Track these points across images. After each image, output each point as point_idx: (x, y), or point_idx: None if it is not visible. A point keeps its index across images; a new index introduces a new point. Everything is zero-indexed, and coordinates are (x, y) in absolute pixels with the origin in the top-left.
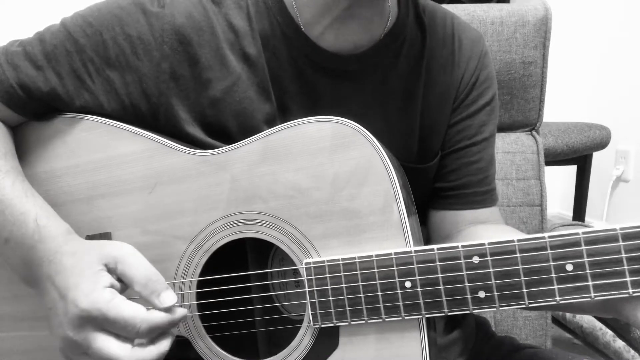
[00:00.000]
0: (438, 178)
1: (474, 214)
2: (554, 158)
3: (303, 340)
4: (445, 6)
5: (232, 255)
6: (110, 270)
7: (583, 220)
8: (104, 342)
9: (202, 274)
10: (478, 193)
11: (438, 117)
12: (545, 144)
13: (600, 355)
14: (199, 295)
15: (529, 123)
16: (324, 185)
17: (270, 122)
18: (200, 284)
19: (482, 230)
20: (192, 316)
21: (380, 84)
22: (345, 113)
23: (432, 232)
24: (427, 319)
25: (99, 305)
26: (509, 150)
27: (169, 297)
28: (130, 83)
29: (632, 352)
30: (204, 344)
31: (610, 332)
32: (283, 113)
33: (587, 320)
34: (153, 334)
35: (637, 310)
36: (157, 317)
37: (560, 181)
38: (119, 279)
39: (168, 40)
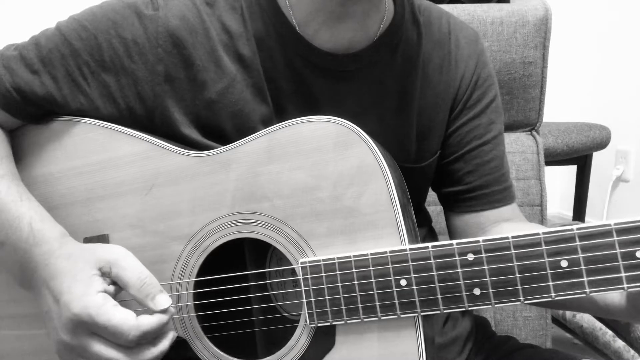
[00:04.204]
0: (455, 182)
1: (496, 213)
2: (554, 158)
3: (300, 339)
4: (445, 6)
5: (230, 256)
6: (105, 274)
7: (583, 220)
8: (100, 346)
9: (199, 275)
10: (497, 191)
11: (435, 117)
12: (545, 144)
13: (600, 355)
14: (197, 296)
15: (529, 123)
16: (319, 184)
17: (267, 123)
18: (197, 285)
19: (508, 227)
20: (189, 317)
21: (376, 83)
22: (341, 113)
23: (457, 237)
24: (424, 316)
25: (90, 311)
26: (509, 150)
27: (163, 300)
28: (126, 86)
29: (632, 352)
30: (202, 345)
31: (610, 332)
32: (279, 113)
33: (587, 320)
34: (143, 341)
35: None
36: (146, 323)
37: (560, 181)
38: (114, 282)
39: (162, 42)
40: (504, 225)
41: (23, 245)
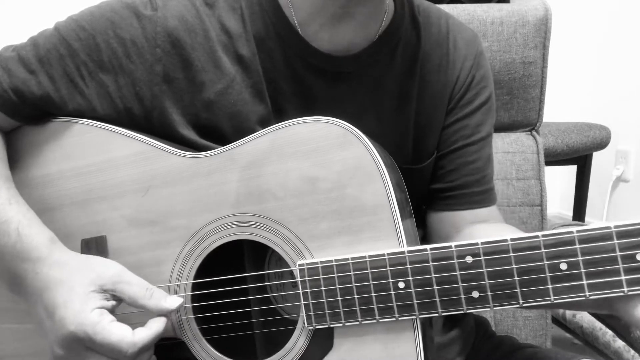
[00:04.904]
0: (436, 179)
1: (473, 214)
2: (554, 158)
3: (298, 341)
4: (445, 6)
5: (229, 257)
6: (106, 291)
7: (583, 220)
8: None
9: (197, 276)
10: (476, 193)
11: (433, 118)
12: (545, 144)
13: (600, 355)
14: (195, 298)
15: (529, 123)
16: (316, 186)
17: (265, 124)
18: (196, 286)
19: (480, 229)
20: (187, 319)
21: (376, 84)
22: (340, 114)
23: (432, 234)
24: (423, 318)
25: (85, 328)
26: (509, 150)
27: (174, 299)
28: (124, 86)
29: (632, 352)
30: (200, 347)
31: (610, 332)
32: (278, 114)
33: (587, 320)
34: (140, 354)
35: (630, 307)
36: (143, 337)
37: (560, 181)
38: (115, 297)
39: (161, 43)
40: (478, 226)
41: (10, 251)
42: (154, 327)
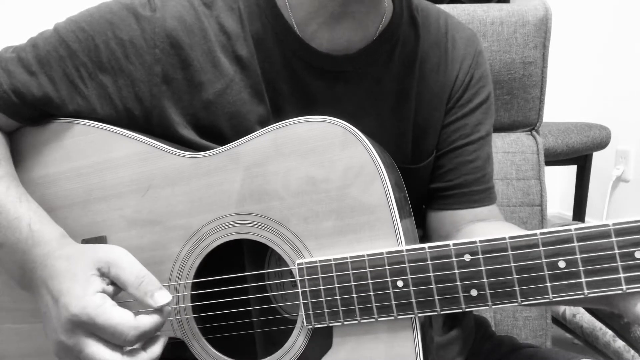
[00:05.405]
0: (435, 178)
1: (472, 213)
2: (554, 158)
3: (297, 341)
4: (445, 6)
5: (229, 257)
6: (104, 275)
7: (583, 221)
8: (96, 348)
9: (198, 276)
10: (476, 192)
11: (431, 117)
12: (545, 144)
13: (600, 355)
14: (195, 297)
15: (529, 123)
16: (315, 185)
17: (264, 123)
18: (195, 286)
19: (480, 227)
20: (187, 318)
21: (374, 84)
22: (339, 114)
23: (432, 233)
24: (422, 318)
25: (88, 311)
26: (509, 150)
27: (162, 296)
28: (123, 87)
29: (632, 352)
30: (200, 346)
31: (610, 332)
32: (277, 114)
33: (587, 320)
34: (142, 340)
35: (630, 304)
36: (145, 323)
37: (560, 181)
38: (113, 283)
39: (160, 43)
40: (479, 224)
41: (22, 247)
42: (155, 315)
